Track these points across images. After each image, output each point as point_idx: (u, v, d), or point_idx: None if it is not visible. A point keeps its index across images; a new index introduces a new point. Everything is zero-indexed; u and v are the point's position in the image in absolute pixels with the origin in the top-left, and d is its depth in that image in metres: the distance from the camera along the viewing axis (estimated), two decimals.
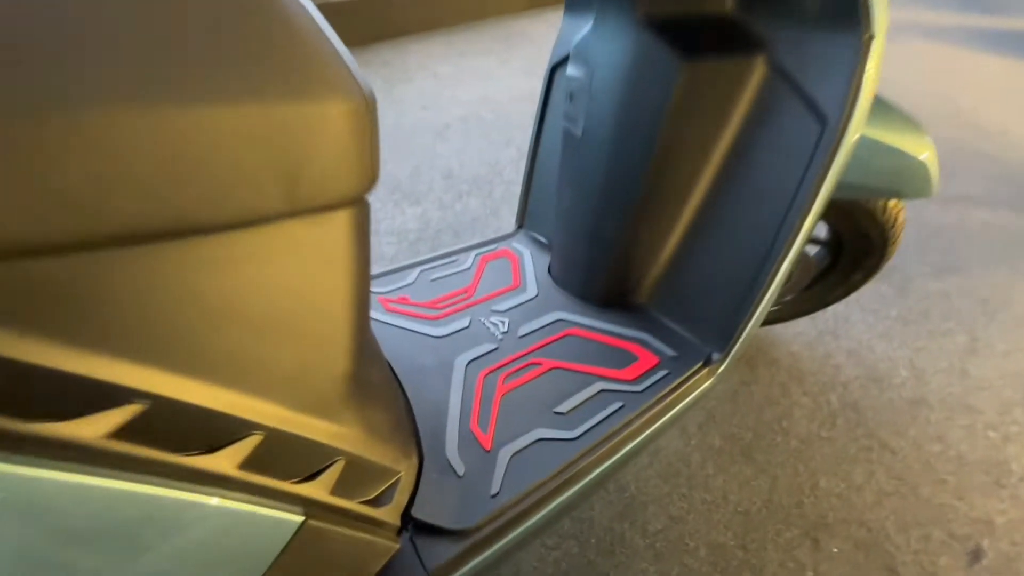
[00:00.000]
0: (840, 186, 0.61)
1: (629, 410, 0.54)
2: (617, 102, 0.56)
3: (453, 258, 0.79)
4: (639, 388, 0.57)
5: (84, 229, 0.24)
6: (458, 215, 1.36)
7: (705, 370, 0.59)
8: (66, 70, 0.22)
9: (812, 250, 0.94)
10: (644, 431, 0.53)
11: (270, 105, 0.27)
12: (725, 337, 0.59)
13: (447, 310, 0.69)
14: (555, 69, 0.76)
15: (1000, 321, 1.18)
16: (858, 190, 0.67)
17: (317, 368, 0.36)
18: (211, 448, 0.31)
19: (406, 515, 0.43)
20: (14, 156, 0.21)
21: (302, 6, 0.30)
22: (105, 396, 0.26)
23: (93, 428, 0.25)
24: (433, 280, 0.74)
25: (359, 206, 0.34)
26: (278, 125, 0.28)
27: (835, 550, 0.75)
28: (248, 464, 0.31)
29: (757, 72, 0.53)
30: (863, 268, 0.92)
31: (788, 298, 1.00)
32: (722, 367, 0.59)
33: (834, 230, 0.90)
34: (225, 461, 0.30)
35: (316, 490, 0.35)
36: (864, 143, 0.60)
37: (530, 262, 0.79)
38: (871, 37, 0.46)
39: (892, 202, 0.79)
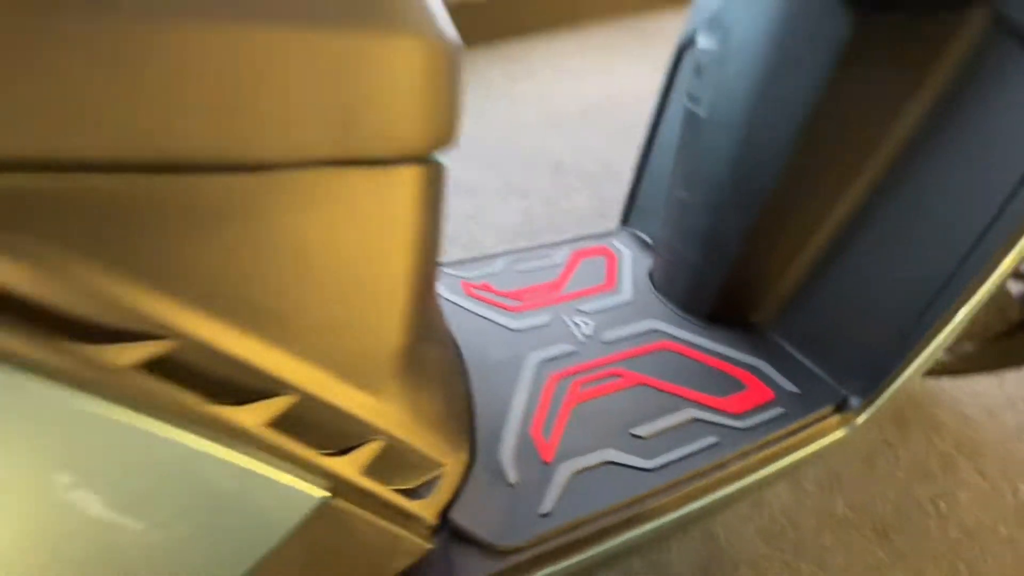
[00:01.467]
0: None
1: (725, 449, 0.44)
2: (758, 71, 0.46)
3: (546, 251, 0.74)
4: (742, 424, 0.46)
5: (146, 149, 0.22)
6: (564, 212, 1.31)
7: (836, 416, 0.46)
8: None
9: (1016, 287, 0.71)
10: (741, 479, 0.43)
11: (333, 30, 0.24)
12: (870, 380, 0.45)
13: (528, 303, 0.64)
14: (683, 48, 0.67)
15: None
16: None
17: (365, 335, 0.33)
18: (240, 402, 0.29)
19: (444, 516, 0.39)
20: (87, 64, 0.20)
21: None
22: (136, 326, 0.25)
23: (119, 356, 0.24)
24: (520, 271, 0.70)
25: (428, 166, 0.31)
26: (339, 54, 0.25)
27: None
28: (276, 424, 0.29)
29: (970, 29, 0.39)
30: None
31: (969, 347, 0.78)
32: (861, 417, 0.45)
33: None
34: (252, 416, 0.28)
35: (346, 466, 0.32)
36: None
37: (629, 263, 0.71)
38: None
39: None
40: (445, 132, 0.30)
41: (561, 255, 0.73)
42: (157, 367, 0.25)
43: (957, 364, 0.80)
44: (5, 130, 0.20)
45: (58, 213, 0.22)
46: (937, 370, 0.82)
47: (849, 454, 0.82)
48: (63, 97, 0.20)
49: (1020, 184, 0.38)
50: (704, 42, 0.53)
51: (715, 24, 0.51)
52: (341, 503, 0.32)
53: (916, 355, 0.41)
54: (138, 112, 0.21)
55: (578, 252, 0.74)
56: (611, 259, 0.72)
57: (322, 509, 0.31)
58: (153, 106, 0.22)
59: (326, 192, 0.28)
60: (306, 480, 0.30)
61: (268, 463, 0.29)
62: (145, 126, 0.22)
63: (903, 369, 0.42)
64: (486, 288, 0.65)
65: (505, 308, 0.62)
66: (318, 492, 0.31)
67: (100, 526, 0.26)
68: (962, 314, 0.40)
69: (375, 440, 0.34)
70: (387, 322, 0.33)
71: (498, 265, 0.70)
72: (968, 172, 0.40)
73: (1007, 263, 0.39)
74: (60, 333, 0.23)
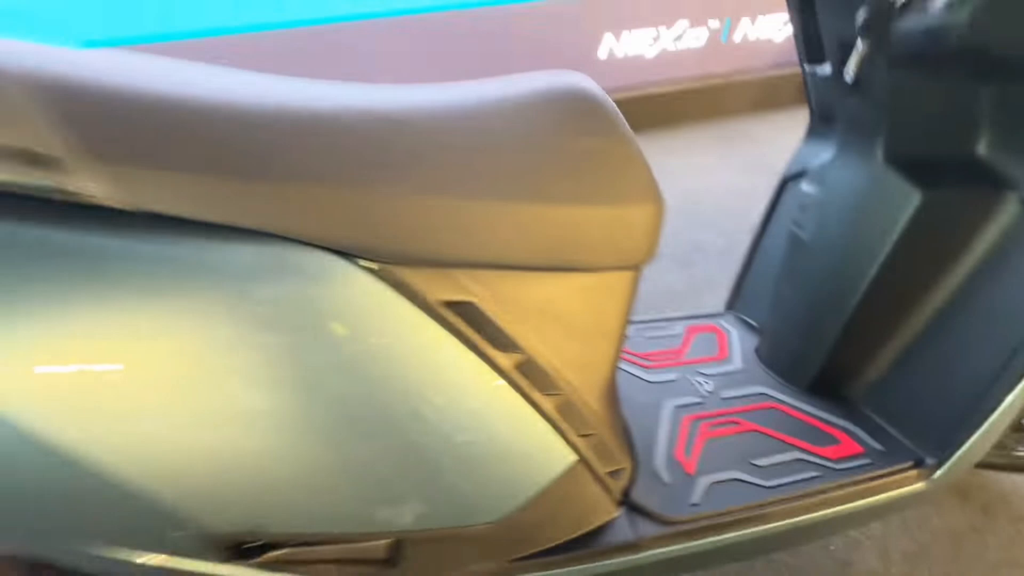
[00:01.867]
0: None
1: (824, 480, 0.60)
2: (850, 219, 0.67)
3: (664, 324, 0.95)
4: (837, 467, 0.62)
5: (498, 257, 0.46)
6: (657, 289, 1.50)
7: (915, 471, 0.61)
8: (478, 173, 0.44)
9: None
10: (836, 505, 0.58)
11: (605, 205, 0.48)
12: (944, 444, 0.60)
13: (658, 364, 0.84)
14: (787, 180, 0.89)
15: None
16: None
17: (596, 364, 0.54)
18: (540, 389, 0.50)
19: (625, 496, 0.58)
20: (466, 217, 0.43)
21: (625, 135, 0.50)
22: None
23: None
24: (647, 338, 0.90)
25: (638, 270, 0.54)
26: (617, 217, 0.49)
27: None
28: (555, 407, 0.50)
29: (1007, 209, 0.58)
30: None
31: None
32: (937, 473, 0.60)
33: None
34: (544, 400, 0.50)
35: (586, 445, 0.52)
36: None
37: (737, 340, 0.89)
38: None
39: None
40: (654, 252, 0.52)
41: (678, 328, 0.93)
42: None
43: None
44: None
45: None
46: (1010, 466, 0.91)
47: (938, 532, 0.91)
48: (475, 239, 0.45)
49: None
50: (808, 188, 0.75)
51: (818, 178, 0.73)
52: (580, 468, 0.52)
53: (980, 425, 0.56)
54: (497, 241, 0.45)
55: (692, 327, 0.94)
56: (721, 336, 0.91)
57: (569, 470, 0.51)
58: (502, 237, 0.46)
59: (601, 279, 0.51)
60: (564, 446, 0.51)
61: (547, 428, 0.50)
62: (497, 248, 0.45)
63: (969, 436, 0.57)
64: (625, 350, 0.86)
65: (642, 365, 0.83)
66: (571, 456, 0.51)
67: (423, 441, 0.46)
68: (1014, 396, 0.55)
69: (596, 435, 0.55)
70: (608, 358, 0.55)
71: (630, 332, 0.91)
72: (1013, 303, 0.57)
73: None
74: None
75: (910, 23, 0.53)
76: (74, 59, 0.38)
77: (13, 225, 0.34)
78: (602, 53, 2.48)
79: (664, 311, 1.02)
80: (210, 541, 0.42)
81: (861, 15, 0.54)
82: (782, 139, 0.93)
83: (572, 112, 0.47)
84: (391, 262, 0.40)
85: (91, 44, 1.74)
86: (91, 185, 0.33)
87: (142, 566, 0.43)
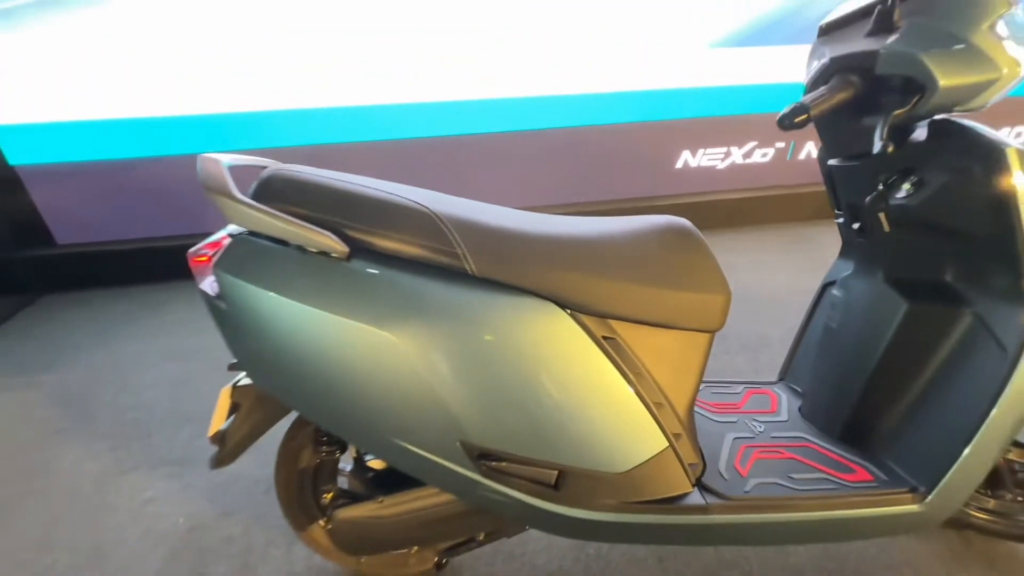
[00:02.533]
0: None
1: (839, 492, 0.87)
2: (862, 319, 0.99)
3: (729, 385, 1.25)
4: (851, 485, 0.89)
5: (633, 315, 0.82)
6: (726, 370, 1.78)
7: (910, 494, 0.87)
8: (626, 269, 0.81)
9: None
10: (846, 510, 0.85)
11: (685, 291, 0.84)
12: (934, 478, 0.86)
13: (723, 411, 1.14)
14: (826, 286, 1.21)
15: None
16: None
17: (684, 391, 0.88)
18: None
19: (699, 481, 0.88)
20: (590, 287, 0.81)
21: (702, 246, 0.85)
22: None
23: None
24: (715, 394, 1.21)
25: (713, 335, 0.88)
26: (690, 299, 0.84)
27: None
28: (658, 410, 0.83)
29: (965, 318, 0.88)
30: None
31: None
32: (929, 497, 0.85)
33: None
34: (652, 404, 0.83)
35: (674, 439, 0.84)
36: None
37: (785, 400, 1.18)
38: None
39: None
40: (723, 324, 0.86)
41: (739, 389, 1.23)
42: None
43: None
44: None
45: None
46: (1017, 536, 1.09)
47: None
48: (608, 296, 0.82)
49: (1002, 384, 0.81)
50: (837, 292, 1.08)
51: (844, 287, 1.06)
52: (670, 452, 0.84)
53: (954, 464, 0.82)
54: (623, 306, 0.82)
55: (751, 390, 1.23)
56: (773, 397, 1.20)
57: (664, 451, 0.84)
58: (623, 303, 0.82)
59: (689, 338, 0.86)
60: (661, 436, 0.84)
61: (652, 422, 0.83)
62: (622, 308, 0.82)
63: (947, 472, 0.83)
64: (699, 400, 1.18)
65: (711, 411, 1.13)
66: (665, 443, 0.84)
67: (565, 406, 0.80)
68: (974, 445, 0.81)
69: (682, 435, 0.87)
70: (691, 387, 0.88)
71: (704, 390, 1.22)
72: (975, 378, 0.85)
73: (998, 431, 0.81)
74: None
75: (891, 201, 0.87)
76: (462, 203, 0.83)
77: (427, 279, 0.76)
78: (679, 164, 2.94)
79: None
80: (467, 451, 0.79)
81: (868, 199, 0.88)
82: (836, 244, 1.20)
83: (676, 237, 0.85)
84: (580, 312, 0.78)
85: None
86: (470, 261, 0.75)
87: (423, 458, 0.80)
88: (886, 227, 0.91)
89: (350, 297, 0.75)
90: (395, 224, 0.77)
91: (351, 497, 1.01)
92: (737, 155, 2.97)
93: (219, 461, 0.95)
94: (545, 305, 0.77)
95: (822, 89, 0.80)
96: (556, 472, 0.81)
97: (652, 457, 0.83)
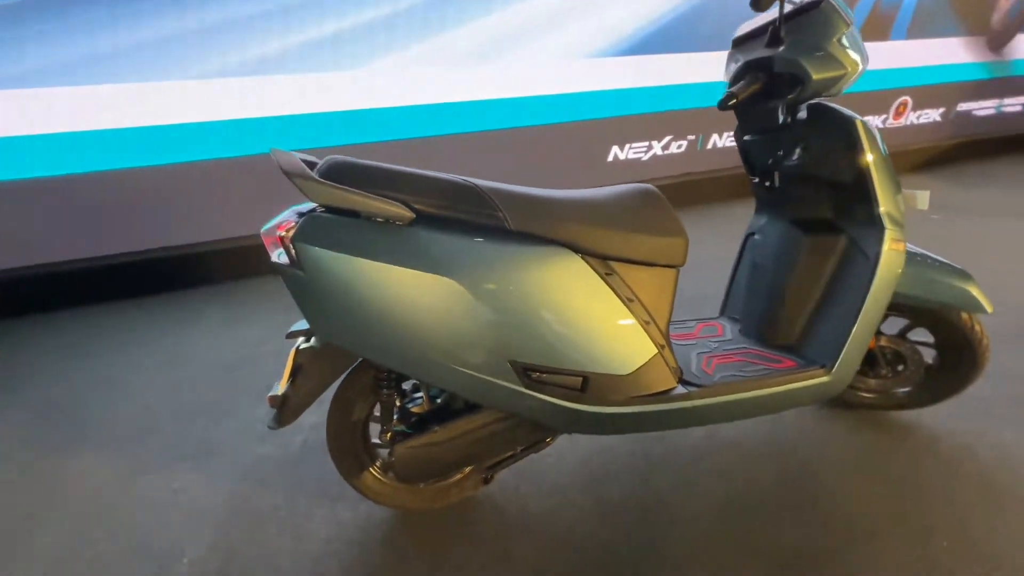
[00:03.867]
0: (914, 296, 1.24)
1: (775, 375, 1.20)
2: (778, 252, 1.34)
3: (684, 322, 1.58)
4: (778, 371, 1.23)
5: (625, 255, 1.10)
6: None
7: (822, 370, 1.22)
8: (616, 221, 1.10)
9: (926, 352, 1.45)
10: (781, 386, 1.18)
11: (657, 236, 1.13)
12: (834, 357, 1.22)
13: (684, 338, 1.46)
14: (748, 236, 1.58)
15: None
16: (930, 301, 1.27)
17: (663, 314, 1.16)
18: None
19: (680, 378, 1.17)
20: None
21: (666, 204, 1.14)
22: None
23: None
24: (674, 328, 1.53)
25: (678, 270, 1.18)
26: (660, 242, 1.13)
27: None
28: (647, 327, 1.11)
29: (842, 243, 1.26)
30: (962, 373, 1.39)
31: (909, 388, 1.49)
32: (833, 369, 1.20)
33: (939, 339, 1.42)
34: (643, 323, 1.12)
35: (661, 348, 1.12)
36: (921, 276, 1.24)
37: (728, 327, 1.52)
38: (884, 229, 1.17)
39: (967, 317, 1.33)
40: (685, 260, 1.16)
41: (693, 324, 1.56)
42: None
43: (906, 401, 1.50)
44: None
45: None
46: (899, 405, 1.51)
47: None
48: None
49: (868, 281, 1.19)
50: (758, 237, 1.44)
51: (762, 231, 1.42)
52: (658, 357, 1.12)
53: (848, 342, 1.18)
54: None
55: (701, 323, 1.57)
56: (719, 326, 1.53)
57: (655, 356, 1.12)
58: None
59: (657, 274, 1.14)
60: (652, 345, 1.11)
61: (644, 335, 1.10)
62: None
63: (844, 348, 1.19)
64: None
65: (675, 339, 1.44)
66: (655, 349, 1.12)
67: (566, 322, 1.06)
68: (860, 330, 1.18)
69: (665, 346, 1.15)
70: (668, 313, 1.17)
71: None
72: (851, 278, 1.22)
73: (868, 314, 1.18)
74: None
75: (788, 162, 1.23)
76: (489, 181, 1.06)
77: (476, 235, 0.98)
78: (610, 158, 3.32)
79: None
80: (514, 368, 1.01)
81: (770, 161, 1.23)
82: (746, 216, 1.58)
83: (647, 197, 1.13)
84: (587, 255, 1.04)
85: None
86: (508, 220, 0.98)
87: (480, 380, 1.01)
88: (776, 183, 1.27)
89: (415, 253, 0.96)
90: (446, 194, 0.98)
91: (405, 436, 1.19)
92: (657, 148, 3.42)
93: (281, 420, 1.10)
94: (564, 251, 1.02)
95: (741, 83, 1.13)
96: (581, 378, 1.06)
97: (647, 361, 1.10)
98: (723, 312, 1.63)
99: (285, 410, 1.10)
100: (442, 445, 1.13)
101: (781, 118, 1.10)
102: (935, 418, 1.56)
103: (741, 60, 1.17)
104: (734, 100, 1.10)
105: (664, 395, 1.13)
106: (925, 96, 4.11)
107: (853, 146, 1.13)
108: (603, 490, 1.37)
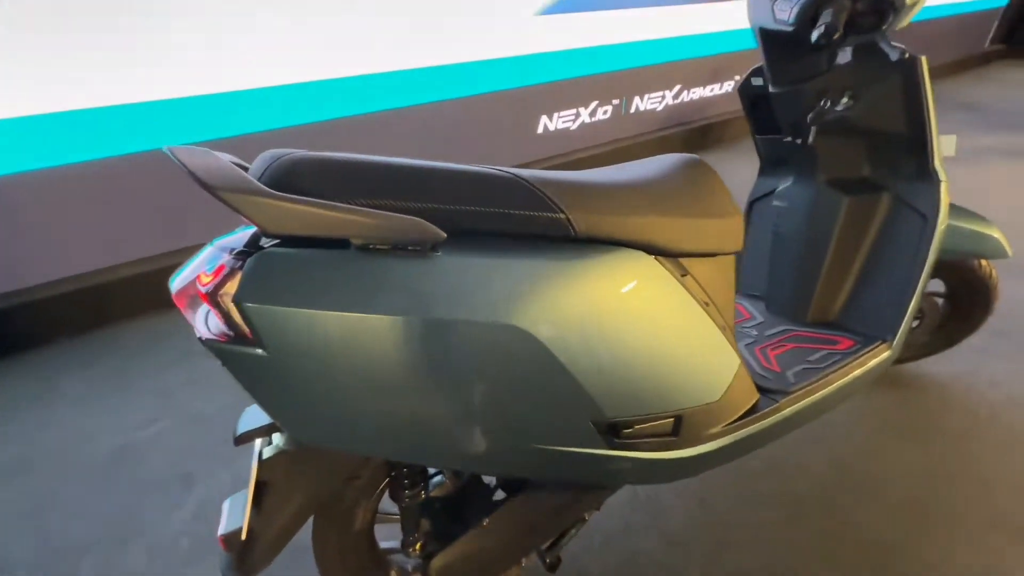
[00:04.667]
0: (944, 249, 1.15)
1: (845, 359, 1.05)
2: (811, 217, 1.18)
3: None
4: (847, 351, 1.08)
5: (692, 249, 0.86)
6: None
7: (883, 344, 1.09)
8: (676, 205, 0.86)
9: (939, 302, 1.42)
10: (855, 370, 1.04)
11: (717, 219, 0.90)
12: (893, 329, 1.10)
13: None
14: (753, 202, 1.41)
15: None
16: (956, 252, 1.20)
17: (728, 309, 0.94)
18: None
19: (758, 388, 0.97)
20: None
21: (717, 177, 0.92)
22: None
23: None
24: None
25: (735, 257, 0.96)
26: (721, 225, 0.90)
27: None
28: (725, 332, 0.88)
29: (885, 202, 1.13)
30: (974, 317, 1.38)
31: (926, 339, 1.46)
32: (895, 342, 1.08)
33: (951, 287, 1.39)
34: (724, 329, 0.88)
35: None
36: (952, 229, 1.16)
37: (751, 307, 1.36)
38: (940, 182, 1.06)
39: (984, 263, 1.29)
40: (741, 244, 0.95)
41: None
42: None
43: (926, 349, 1.47)
44: None
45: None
46: (921, 354, 1.48)
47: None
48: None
49: (920, 241, 1.07)
50: (779, 203, 1.27)
51: (784, 195, 1.25)
52: (742, 368, 0.90)
53: (907, 313, 1.07)
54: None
55: None
56: (740, 308, 1.37)
57: (740, 368, 0.90)
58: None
59: (720, 262, 0.91)
60: (734, 354, 0.89)
61: (726, 343, 0.88)
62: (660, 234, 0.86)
63: (904, 320, 1.07)
64: None
65: None
66: (737, 360, 0.90)
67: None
68: (918, 295, 1.07)
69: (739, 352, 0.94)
70: (732, 306, 0.95)
71: None
72: (906, 240, 1.10)
73: (927, 271, 1.07)
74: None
75: (831, 115, 1.06)
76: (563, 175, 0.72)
77: (531, 252, 0.65)
78: (539, 129, 3.06)
79: None
80: (597, 429, 0.72)
81: (811, 115, 1.06)
82: None
83: (697, 171, 0.88)
84: (659, 254, 0.77)
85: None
86: (573, 224, 0.67)
87: (552, 453, 0.71)
88: (811, 139, 1.10)
89: (453, 291, 0.61)
90: (488, 197, 0.64)
91: (436, 540, 0.85)
92: (585, 115, 3.22)
93: (248, 567, 0.71)
94: (637, 254, 0.74)
95: (828, 12, 0.89)
96: (673, 419, 0.80)
97: (733, 377, 0.87)
98: (737, 291, 1.47)
99: (252, 552, 0.71)
100: (494, 540, 0.82)
101: (840, 60, 0.91)
102: (925, 366, 1.56)
103: None
104: (837, 33, 0.88)
105: (752, 413, 0.92)
106: None
107: (916, 90, 0.98)
108: (663, 522, 1.15)
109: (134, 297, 2.01)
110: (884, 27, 0.92)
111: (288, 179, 0.59)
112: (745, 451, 0.95)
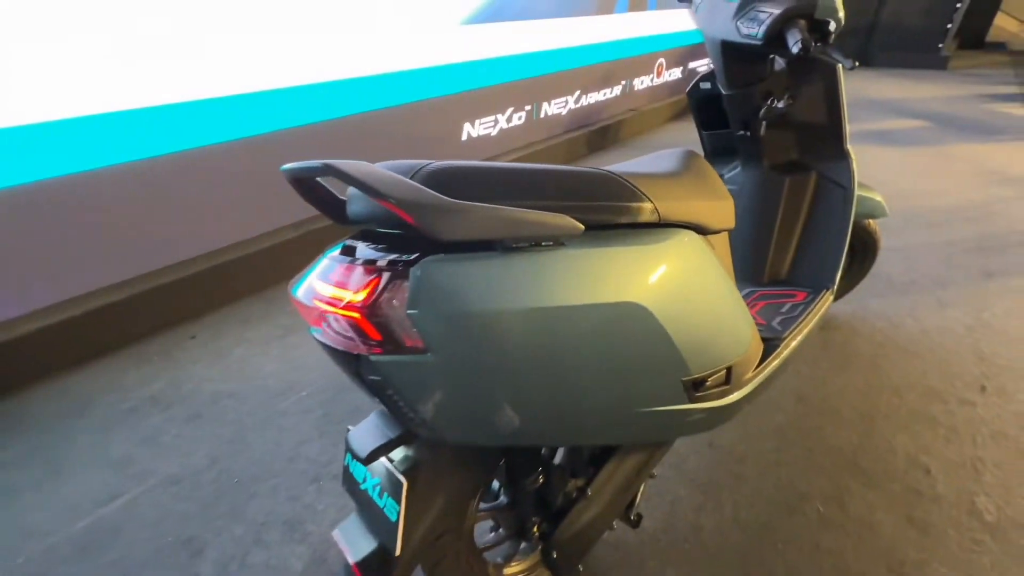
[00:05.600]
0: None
1: (808, 307, 1.31)
2: (758, 198, 1.44)
3: None
4: (806, 301, 1.35)
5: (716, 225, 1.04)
6: None
7: (828, 291, 1.38)
8: (693, 193, 1.03)
9: None
10: (816, 314, 1.30)
11: (718, 200, 1.09)
12: (831, 279, 1.39)
13: None
14: None
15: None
16: (857, 215, 1.55)
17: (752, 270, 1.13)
18: None
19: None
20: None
21: (711, 170, 1.11)
22: None
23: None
24: None
25: (728, 233, 1.16)
26: (721, 206, 1.09)
27: None
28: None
29: (812, 179, 1.42)
30: (866, 265, 1.77)
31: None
32: (833, 289, 1.37)
33: (851, 243, 1.76)
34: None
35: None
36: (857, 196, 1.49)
37: None
38: (852, 159, 1.37)
39: (871, 222, 1.67)
40: (733, 222, 1.15)
41: None
42: None
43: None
44: None
45: None
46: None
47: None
48: None
49: (843, 208, 1.38)
50: (731, 187, 1.52)
51: (733, 180, 1.50)
52: (755, 326, 1.09)
53: (839, 266, 1.36)
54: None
55: None
56: None
57: (753, 327, 1.08)
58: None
59: (723, 240, 1.10)
60: (748, 309, 1.07)
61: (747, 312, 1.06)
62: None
63: (838, 271, 1.37)
64: None
65: None
66: (752, 320, 1.08)
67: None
68: (845, 250, 1.37)
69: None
70: (732, 271, 1.14)
71: None
72: (831, 208, 1.40)
73: (848, 233, 1.38)
74: None
75: (776, 111, 1.31)
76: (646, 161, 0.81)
77: (635, 237, 0.75)
78: (464, 136, 3.13)
79: None
80: (684, 387, 0.84)
81: (762, 112, 1.30)
82: None
83: (701, 162, 1.06)
84: (700, 232, 0.92)
85: None
86: (659, 210, 0.78)
87: (654, 414, 0.82)
88: (762, 131, 1.35)
89: (583, 278, 0.69)
90: (599, 193, 0.72)
91: (550, 519, 0.91)
92: (503, 121, 3.36)
93: None
94: (691, 233, 0.88)
95: (795, 32, 1.10)
96: (725, 371, 0.95)
97: (752, 331, 1.06)
98: None
99: (391, 569, 0.71)
100: (598, 506, 0.90)
101: (778, 66, 1.16)
102: (833, 309, 1.96)
103: (769, 10, 1.15)
104: (812, 46, 1.09)
105: (766, 359, 1.11)
106: (672, 58, 5.03)
107: (834, 88, 1.26)
108: (687, 470, 1.31)
109: (38, 355, 1.69)
110: (830, 41, 1.17)
111: (438, 189, 0.61)
112: (765, 390, 1.14)
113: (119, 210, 1.82)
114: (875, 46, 7.47)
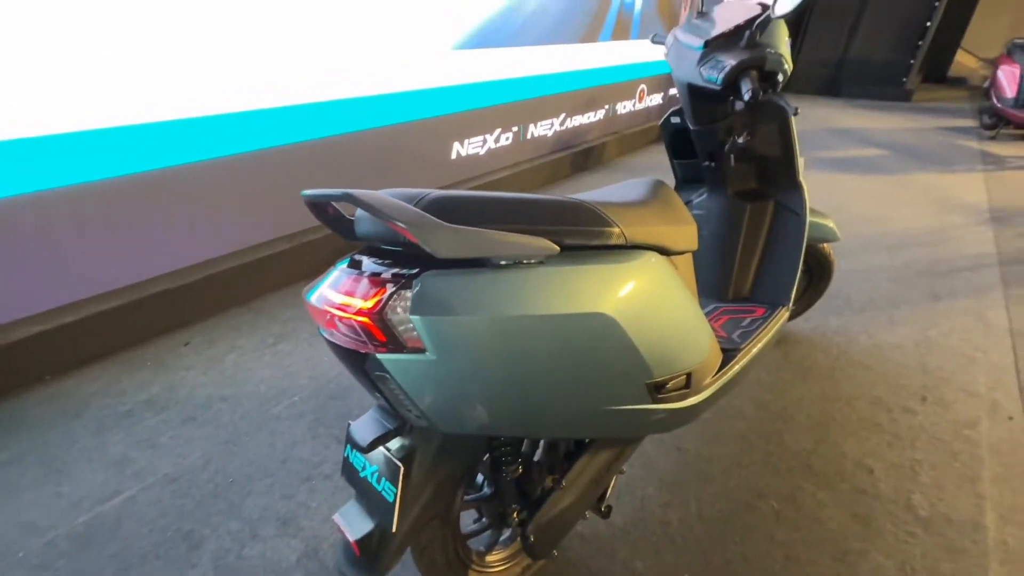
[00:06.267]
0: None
1: (765, 322, 1.45)
2: (722, 221, 1.59)
3: None
4: (764, 317, 1.48)
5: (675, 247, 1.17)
6: None
7: (784, 308, 1.52)
8: (657, 219, 1.17)
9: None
10: (772, 329, 1.43)
11: (682, 225, 1.22)
12: (787, 297, 1.53)
13: None
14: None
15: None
16: (811, 239, 1.70)
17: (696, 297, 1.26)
18: None
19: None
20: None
21: (676, 197, 1.24)
22: None
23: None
24: None
25: (691, 254, 1.29)
26: (685, 231, 1.22)
27: None
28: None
29: (770, 206, 1.57)
30: (822, 285, 1.93)
31: (795, 305, 1.98)
32: (789, 305, 1.52)
33: (807, 265, 1.92)
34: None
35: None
36: (810, 222, 1.65)
37: None
38: (804, 189, 1.52)
39: (825, 246, 1.83)
40: (695, 246, 1.28)
41: None
42: None
43: (792, 314, 2.00)
44: None
45: None
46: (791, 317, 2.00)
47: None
48: None
49: (800, 233, 1.53)
50: (699, 212, 1.66)
51: (700, 205, 1.65)
52: (714, 337, 1.22)
53: (794, 287, 1.50)
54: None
55: None
56: None
57: (712, 338, 1.21)
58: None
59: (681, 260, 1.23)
60: (708, 322, 1.20)
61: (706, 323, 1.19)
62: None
63: (793, 291, 1.51)
64: None
65: None
66: (711, 331, 1.21)
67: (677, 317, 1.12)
68: (800, 270, 1.51)
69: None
70: (696, 289, 1.27)
71: None
72: (786, 234, 1.55)
73: (802, 256, 1.53)
74: None
75: (738, 146, 1.46)
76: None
77: (605, 257, 0.87)
78: (453, 155, 3.26)
79: None
80: (648, 389, 0.96)
81: (728, 146, 1.45)
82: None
83: (668, 190, 1.19)
84: (664, 253, 1.04)
85: None
86: (625, 234, 0.90)
87: (620, 413, 0.93)
88: (732, 162, 1.50)
89: (559, 292, 0.80)
90: (569, 218, 0.84)
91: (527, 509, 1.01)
92: (491, 141, 3.50)
93: (385, 566, 0.82)
94: (655, 255, 1.00)
95: (748, 81, 1.24)
96: (685, 376, 1.07)
97: (710, 340, 1.18)
98: None
99: (387, 549, 0.81)
100: (570, 495, 1.00)
101: (738, 107, 1.31)
102: (793, 326, 2.11)
103: (726, 61, 1.30)
104: (760, 95, 1.23)
105: (725, 366, 1.24)
106: (652, 84, 5.27)
107: (786, 128, 1.42)
108: (656, 470, 1.42)
109: (33, 359, 1.73)
110: (778, 89, 1.33)
111: (436, 214, 0.72)
112: (723, 396, 1.27)
113: (118, 220, 1.89)
114: (844, 78, 7.89)
